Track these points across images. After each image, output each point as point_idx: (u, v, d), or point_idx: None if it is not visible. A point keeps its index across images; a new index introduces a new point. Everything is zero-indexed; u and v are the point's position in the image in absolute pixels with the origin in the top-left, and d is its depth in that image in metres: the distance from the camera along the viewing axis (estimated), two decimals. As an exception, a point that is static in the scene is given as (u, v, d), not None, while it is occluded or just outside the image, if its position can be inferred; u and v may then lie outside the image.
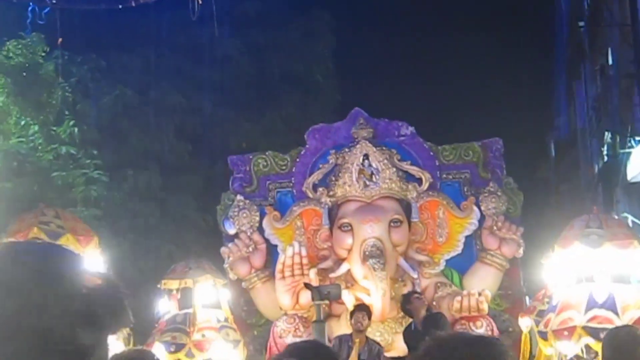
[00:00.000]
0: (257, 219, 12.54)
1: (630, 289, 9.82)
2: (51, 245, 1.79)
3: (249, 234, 12.48)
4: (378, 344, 10.49)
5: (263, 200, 12.83)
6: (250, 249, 12.42)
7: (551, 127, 28.54)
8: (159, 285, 11.75)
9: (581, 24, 23.67)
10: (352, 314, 10.31)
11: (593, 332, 9.50)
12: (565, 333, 9.36)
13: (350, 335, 10.27)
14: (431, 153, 12.90)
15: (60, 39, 19.90)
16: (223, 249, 12.40)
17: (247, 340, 12.06)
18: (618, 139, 22.01)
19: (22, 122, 19.73)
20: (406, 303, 10.54)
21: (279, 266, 11.80)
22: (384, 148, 12.51)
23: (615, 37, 22.09)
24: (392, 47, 25.47)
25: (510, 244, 12.26)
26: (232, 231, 12.54)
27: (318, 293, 9.92)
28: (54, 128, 19.83)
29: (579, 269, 9.98)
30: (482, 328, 11.33)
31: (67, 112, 20.01)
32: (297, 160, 12.99)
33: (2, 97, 19.54)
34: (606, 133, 23.08)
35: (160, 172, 20.45)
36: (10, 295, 1.40)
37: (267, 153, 13.18)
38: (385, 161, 12.36)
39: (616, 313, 9.48)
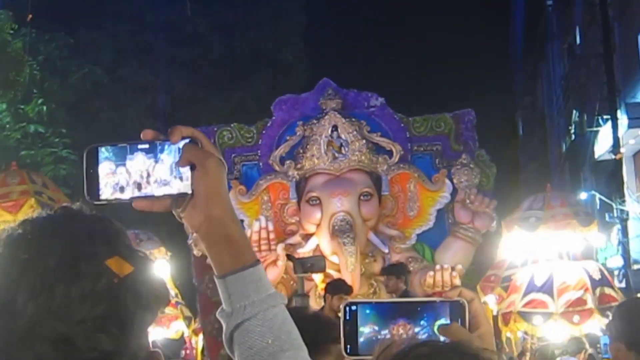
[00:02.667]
0: (222, 193, 11.48)
1: (573, 269, 9.22)
2: (82, 219, 1.44)
3: (213, 208, 11.43)
4: None
5: (228, 174, 11.40)
6: (216, 224, 11.36)
7: (519, 106, 27.80)
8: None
9: (549, 2, 22.88)
10: (331, 295, 9.11)
11: (527, 317, 8.98)
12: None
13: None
14: (402, 125, 11.96)
15: (30, 15, 18.92)
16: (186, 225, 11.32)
17: (213, 318, 11.04)
18: (585, 118, 21.47)
19: (-11, 100, 18.77)
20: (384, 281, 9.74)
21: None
22: (353, 119, 11.56)
23: (583, 17, 21.44)
24: (363, 25, 24.68)
25: (483, 217, 11.35)
26: (196, 206, 11.50)
27: (301, 265, 8.98)
28: (22, 106, 19.12)
29: (524, 252, 9.52)
30: None
31: (35, 91, 19.29)
32: (263, 132, 12.01)
33: None
34: (574, 112, 22.51)
35: (130, 151, 19.38)
36: (31, 295, 1.26)
37: (232, 125, 12.17)
38: (355, 133, 11.41)
39: (551, 296, 8.94)
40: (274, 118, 12.06)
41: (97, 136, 19.61)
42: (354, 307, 1.61)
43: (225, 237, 1.49)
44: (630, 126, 17.84)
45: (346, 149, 11.34)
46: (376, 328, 1.58)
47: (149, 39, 21.15)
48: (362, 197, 11.08)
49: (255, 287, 1.49)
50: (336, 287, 9.20)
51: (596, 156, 20.37)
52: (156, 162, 1.48)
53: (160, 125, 19.94)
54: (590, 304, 8.76)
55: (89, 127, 19.66)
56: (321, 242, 10.94)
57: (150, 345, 1.54)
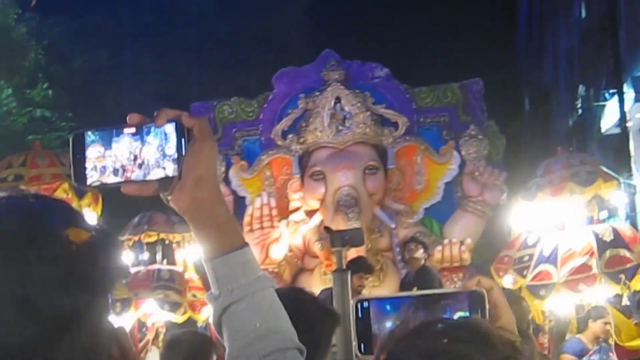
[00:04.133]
0: (223, 169, 10.85)
1: (581, 234, 8.40)
2: (37, 197, 1.36)
3: (214, 185, 10.73)
4: None
5: (229, 150, 11.13)
6: (216, 202, 10.66)
7: (525, 81, 27.06)
8: (123, 237, 9.96)
9: (554, -23, 22.09)
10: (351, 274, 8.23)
11: (534, 291, 8.19)
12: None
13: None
14: (407, 96, 11.25)
15: (34, 1, 18.42)
16: (187, 202, 10.61)
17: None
18: (592, 92, 20.74)
19: (-5, 85, 18.28)
20: (405, 251, 8.90)
21: (246, 218, 10.28)
22: (357, 91, 10.85)
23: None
24: (368, 3, 23.79)
25: (493, 190, 10.67)
26: (196, 183, 10.81)
27: (339, 238, 8.14)
28: (28, 91, 18.54)
29: (532, 223, 8.80)
30: (464, 280, 9.79)
31: (40, 75, 18.62)
32: (265, 106, 11.31)
33: None
34: (580, 86, 21.75)
35: (136, 134, 18.85)
36: None
37: (232, 99, 11.47)
38: (359, 105, 10.71)
39: (555, 265, 8.11)
40: (275, 91, 11.37)
41: (102, 120, 18.89)
42: (365, 304, 1.51)
43: (212, 219, 1.45)
44: (636, 100, 17.12)
45: (350, 122, 10.65)
46: (391, 325, 1.49)
47: (152, 22, 20.51)
48: (367, 171, 10.41)
49: (242, 270, 1.45)
50: (356, 265, 8.36)
51: (603, 130, 19.64)
52: (142, 145, 1.45)
53: (165, 108, 19.36)
54: (594, 269, 7.91)
55: (94, 111, 19.10)
56: (325, 217, 10.27)
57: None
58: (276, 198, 10.51)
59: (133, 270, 9.73)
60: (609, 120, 19.14)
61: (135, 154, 1.44)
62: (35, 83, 18.54)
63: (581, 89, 21.66)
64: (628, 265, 7.86)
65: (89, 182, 1.46)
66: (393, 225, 10.48)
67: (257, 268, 1.47)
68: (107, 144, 1.44)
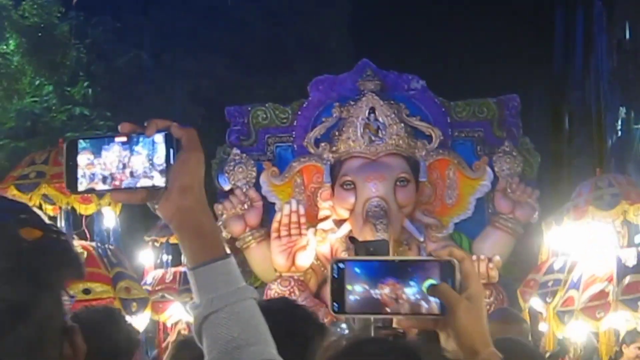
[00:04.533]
0: (254, 174, 10.80)
1: (605, 259, 8.19)
2: (6, 198, 1.39)
3: (244, 190, 10.73)
4: None
5: (261, 155, 11.07)
6: (246, 206, 10.67)
7: (567, 100, 26.75)
8: (148, 238, 9.96)
9: (599, -4, 21.83)
10: None
11: (561, 317, 8.04)
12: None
13: None
14: (443, 109, 11.11)
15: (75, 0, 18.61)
16: (216, 206, 10.62)
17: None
18: (632, 114, 20.49)
19: (37, 82, 18.84)
20: None
21: (274, 224, 10.17)
22: (392, 102, 10.74)
23: (632, 12, 20.40)
24: (408, 11, 23.63)
25: (525, 207, 10.49)
26: (226, 187, 10.81)
27: (363, 249, 8.02)
28: (68, 89, 18.83)
29: (561, 247, 8.32)
30: (491, 297, 9.72)
31: (81, 73, 18.92)
32: (299, 113, 11.23)
33: (17, 57, 18.61)
34: (621, 108, 21.46)
35: (174, 136, 18.88)
36: None
37: (266, 105, 11.41)
38: (393, 116, 10.59)
39: (578, 291, 7.91)
40: (310, 98, 11.30)
41: (140, 120, 18.96)
42: (341, 265, 1.52)
43: (196, 229, 1.48)
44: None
45: (383, 132, 10.54)
46: (365, 287, 1.50)
47: (193, 24, 20.54)
48: (398, 183, 10.27)
49: (224, 280, 1.47)
50: None
51: (641, 153, 19.36)
52: (131, 154, 1.47)
53: (203, 111, 19.38)
54: (611, 296, 7.69)
55: (132, 111, 19.22)
56: (354, 227, 10.16)
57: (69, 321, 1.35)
58: (305, 206, 10.42)
59: (158, 272, 9.72)
60: (647, 143, 18.88)
61: (124, 163, 1.47)
62: (76, 81, 18.67)
63: (622, 111, 21.40)
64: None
65: (80, 188, 1.50)
66: (422, 239, 10.36)
67: (238, 279, 1.48)
68: (97, 152, 1.48)
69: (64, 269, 1.31)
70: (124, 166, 1.48)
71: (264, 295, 10.02)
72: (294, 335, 1.53)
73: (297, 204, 10.22)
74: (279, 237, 10.09)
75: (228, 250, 1.49)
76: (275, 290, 9.99)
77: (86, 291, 7.77)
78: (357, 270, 1.50)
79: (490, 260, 9.87)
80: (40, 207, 8.28)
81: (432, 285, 1.47)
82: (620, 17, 21.26)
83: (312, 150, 10.84)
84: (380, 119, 10.58)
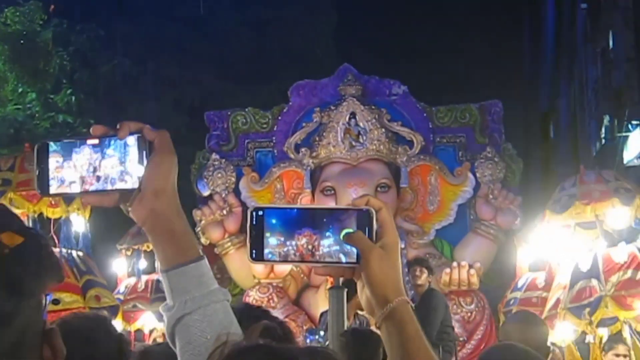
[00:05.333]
0: (234, 179, 10.62)
1: (621, 247, 7.68)
2: None
3: (223, 195, 10.55)
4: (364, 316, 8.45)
5: (241, 160, 10.90)
6: (225, 212, 10.49)
7: (550, 108, 26.62)
8: (121, 246, 9.72)
9: (583, 5, 21.71)
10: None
11: (577, 312, 7.32)
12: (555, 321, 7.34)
13: None
14: (424, 114, 10.97)
15: (52, 6, 18.38)
16: (195, 211, 10.43)
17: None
18: (616, 123, 20.34)
19: (20, 90, 18.53)
20: (410, 273, 8.52)
21: (253, 231, 9.84)
22: (373, 107, 10.60)
23: (617, 21, 20.32)
24: (394, 21, 23.48)
25: (507, 214, 10.35)
26: (205, 192, 10.63)
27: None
28: (52, 96, 18.52)
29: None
30: (472, 304, 9.58)
31: (64, 81, 18.62)
32: (279, 118, 11.07)
33: None
34: (605, 116, 21.32)
35: (157, 144, 18.65)
36: None
37: (246, 110, 11.24)
38: (374, 121, 10.44)
39: (598, 279, 7.39)
40: (290, 103, 11.14)
41: (123, 127, 18.93)
42: (260, 212, 1.49)
43: (169, 231, 1.46)
44: (660, 132, 16.77)
45: (364, 138, 10.38)
46: (282, 239, 1.48)
47: (178, 32, 20.34)
48: (379, 189, 10.13)
49: (197, 282, 1.45)
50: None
51: (625, 161, 19.22)
52: (103, 157, 1.46)
53: (187, 119, 19.15)
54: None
55: (117, 118, 18.87)
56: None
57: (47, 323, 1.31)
58: (285, 212, 10.22)
59: (131, 280, 9.48)
60: (631, 151, 18.77)
61: (94, 166, 1.46)
62: (60, 88, 18.41)
63: (605, 119, 21.27)
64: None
65: (51, 191, 1.49)
66: (403, 246, 10.09)
67: (211, 281, 1.47)
68: (67, 155, 1.47)
69: (46, 275, 1.29)
70: (95, 169, 1.46)
71: (243, 302, 9.82)
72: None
73: (277, 210, 10.02)
74: (258, 243, 9.88)
75: (201, 253, 1.47)
76: (253, 297, 9.80)
77: (55, 301, 7.53)
78: (275, 219, 1.49)
79: (471, 266, 9.68)
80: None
81: (347, 233, 1.45)
82: (604, 26, 21.17)
83: (292, 156, 10.66)
84: (361, 124, 10.42)
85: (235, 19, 20.70)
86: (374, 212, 1.46)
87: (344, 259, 1.46)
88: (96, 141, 1.46)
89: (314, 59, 20.43)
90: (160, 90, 19.54)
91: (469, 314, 9.56)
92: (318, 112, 10.65)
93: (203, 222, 10.43)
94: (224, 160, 10.70)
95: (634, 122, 18.45)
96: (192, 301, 1.44)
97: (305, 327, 9.29)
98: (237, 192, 10.60)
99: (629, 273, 7.25)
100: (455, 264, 9.70)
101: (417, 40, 22.36)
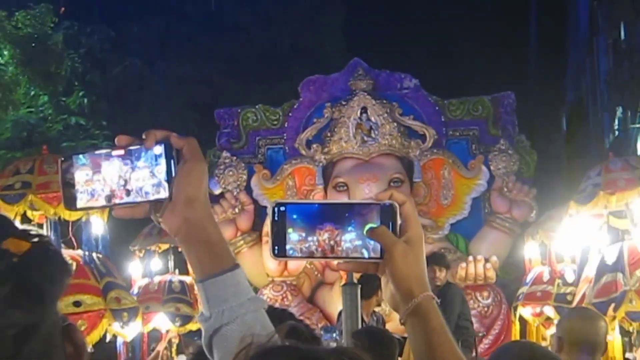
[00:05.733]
0: (245, 177, 10.46)
1: None
2: None
3: (235, 193, 10.38)
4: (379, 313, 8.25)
5: (252, 158, 10.72)
6: (237, 210, 10.33)
7: (564, 101, 26.33)
8: (134, 248, 9.57)
9: (595, -2, 21.45)
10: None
11: (602, 307, 6.81)
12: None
13: None
14: (437, 108, 10.75)
15: (62, 9, 18.30)
16: (207, 210, 10.20)
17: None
18: (629, 114, 20.09)
19: (32, 93, 18.56)
20: (428, 273, 8.23)
21: (265, 229, 9.76)
22: (384, 101, 10.39)
23: (628, 12, 20.03)
24: (404, 16, 23.25)
25: (522, 206, 10.15)
26: (217, 191, 10.46)
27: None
28: (63, 99, 18.48)
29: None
30: (489, 299, 9.38)
31: (76, 83, 18.61)
32: (290, 114, 10.88)
33: (11, 68, 18.27)
34: (617, 108, 21.07)
35: (169, 143, 18.54)
36: None
37: (257, 106, 11.07)
38: (386, 115, 10.24)
39: (624, 272, 6.97)
40: (300, 99, 10.96)
41: (137, 128, 18.70)
42: (282, 208, 1.46)
43: (204, 240, 1.42)
44: (672, 123, 16.54)
45: (376, 133, 10.19)
46: (303, 234, 1.46)
47: (188, 31, 20.20)
48: (392, 184, 9.93)
49: (234, 291, 1.42)
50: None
51: (639, 153, 19.00)
52: (132, 169, 1.42)
53: (198, 117, 19.03)
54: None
55: (129, 119, 18.89)
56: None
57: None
58: (297, 208, 10.03)
59: (143, 281, 9.34)
60: (644, 143, 18.56)
61: (125, 178, 1.43)
62: (71, 91, 18.32)
63: (618, 111, 21.02)
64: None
65: (79, 205, 1.45)
66: (418, 240, 9.96)
67: (248, 289, 1.43)
68: (96, 168, 1.44)
69: (61, 275, 1.27)
70: (125, 182, 1.43)
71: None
72: None
73: (289, 206, 9.83)
74: (270, 241, 9.70)
75: (236, 261, 1.43)
76: (267, 295, 9.64)
77: (76, 304, 7.41)
78: (297, 214, 1.46)
79: (487, 260, 9.49)
80: (25, 214, 7.96)
81: (371, 228, 1.43)
82: (616, 17, 20.90)
83: (303, 152, 10.49)
84: (372, 119, 10.23)
85: (245, 16, 20.59)
86: (397, 206, 1.44)
87: (366, 254, 1.44)
88: (122, 152, 1.42)
89: (325, 56, 20.23)
90: (172, 89, 19.40)
91: (486, 309, 9.35)
92: (329, 107, 10.47)
93: (215, 220, 10.26)
94: (234, 157, 10.54)
95: (647, 114, 18.26)
96: (229, 311, 1.40)
97: (320, 325, 9.11)
98: (248, 190, 10.44)
99: None
100: (471, 258, 9.52)
101: (427, 33, 22.16)
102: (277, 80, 19.55)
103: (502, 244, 10.14)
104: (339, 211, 1.47)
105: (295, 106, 10.90)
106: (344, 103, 10.38)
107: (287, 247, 1.45)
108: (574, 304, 7.44)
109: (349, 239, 1.44)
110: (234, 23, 20.35)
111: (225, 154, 10.54)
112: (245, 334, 1.31)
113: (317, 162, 10.33)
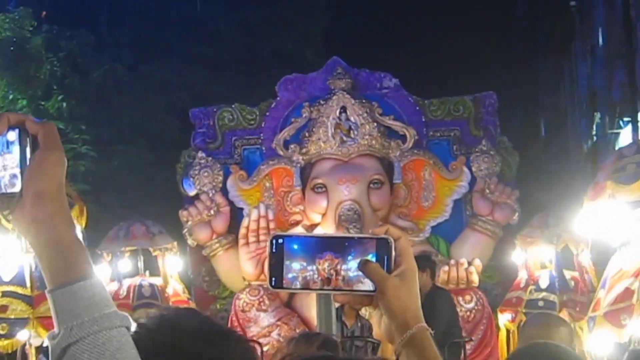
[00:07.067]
0: (221, 178, 9.96)
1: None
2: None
3: (210, 195, 9.86)
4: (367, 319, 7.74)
5: (228, 158, 10.22)
6: (212, 212, 9.81)
7: (542, 106, 26.06)
8: (99, 251, 9.02)
9: (573, 3, 21.14)
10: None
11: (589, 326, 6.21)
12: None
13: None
14: (417, 108, 10.30)
15: (44, 12, 17.75)
16: (181, 212, 9.78)
17: (210, 314, 9.30)
18: (607, 120, 19.79)
19: (10, 97, 17.84)
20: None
21: (242, 231, 9.32)
22: (363, 101, 9.92)
23: (605, 17, 19.75)
24: (386, 23, 22.92)
25: (504, 208, 9.71)
26: (192, 192, 9.93)
27: None
28: (42, 103, 17.93)
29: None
30: (471, 303, 8.97)
31: (55, 87, 17.98)
32: (267, 114, 10.39)
33: None
34: (595, 113, 20.77)
35: (149, 148, 18.10)
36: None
37: (233, 106, 10.61)
38: (365, 115, 9.76)
39: (605, 291, 6.12)
40: (278, 99, 10.49)
41: (117, 132, 18.28)
42: (280, 240, 1.45)
43: (54, 243, 1.22)
44: (651, 128, 16.25)
45: (355, 133, 9.70)
46: (303, 264, 1.43)
47: (169, 36, 19.65)
48: (371, 185, 9.47)
49: (87, 304, 1.19)
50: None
51: (617, 158, 18.55)
52: None
53: (179, 122, 18.50)
54: (636, 295, 5.74)
55: (109, 124, 18.38)
56: (326, 233, 9.23)
57: None
58: (275, 210, 9.55)
59: (112, 287, 8.78)
60: (624, 147, 18.15)
61: None
62: (50, 95, 17.79)
63: (597, 116, 20.71)
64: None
65: None
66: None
67: (105, 303, 1.21)
68: None
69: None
70: None
71: (233, 304, 9.15)
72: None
73: (266, 208, 9.32)
74: (247, 243, 9.19)
75: (94, 269, 1.23)
76: (244, 299, 9.14)
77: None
78: (296, 246, 1.45)
79: (469, 264, 9.01)
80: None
81: (363, 263, 1.42)
82: (593, 23, 20.61)
83: (281, 153, 9.99)
84: (351, 119, 9.74)
85: (226, 21, 20.14)
86: (392, 241, 1.44)
87: (362, 285, 1.42)
88: None
89: (305, 61, 19.64)
90: (152, 94, 18.84)
91: (469, 313, 8.85)
92: (307, 106, 9.97)
93: (190, 223, 9.76)
94: (210, 158, 10.01)
95: (625, 119, 18.04)
96: (78, 327, 1.19)
97: (298, 330, 8.59)
98: (224, 191, 9.94)
99: None
100: (453, 261, 9.06)
101: (407, 33, 21.82)
102: (257, 85, 19.08)
103: (484, 247, 9.70)
104: (338, 243, 1.44)
105: (272, 106, 10.41)
106: (322, 102, 9.89)
107: (287, 277, 1.41)
108: (601, 307, 6.41)
109: (348, 269, 1.42)
110: (215, 28, 19.87)
111: (200, 154, 10.01)
112: (97, 356, 1.16)
113: (295, 162, 9.82)
